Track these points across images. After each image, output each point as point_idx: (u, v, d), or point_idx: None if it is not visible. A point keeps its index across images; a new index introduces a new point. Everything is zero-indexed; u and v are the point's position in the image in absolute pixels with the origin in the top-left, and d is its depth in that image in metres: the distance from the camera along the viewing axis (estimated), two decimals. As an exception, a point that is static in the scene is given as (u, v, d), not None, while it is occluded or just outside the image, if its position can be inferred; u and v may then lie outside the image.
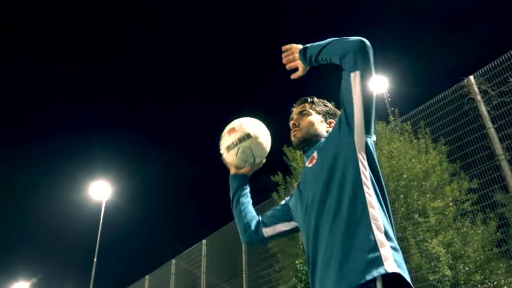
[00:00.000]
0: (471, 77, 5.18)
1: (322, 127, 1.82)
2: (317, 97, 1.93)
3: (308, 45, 1.74)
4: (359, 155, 1.55)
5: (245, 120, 1.92)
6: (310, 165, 1.72)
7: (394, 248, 1.40)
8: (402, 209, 5.67)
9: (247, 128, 1.86)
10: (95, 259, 16.63)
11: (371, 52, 1.57)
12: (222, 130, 1.93)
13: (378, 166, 1.59)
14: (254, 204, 1.98)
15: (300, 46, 1.77)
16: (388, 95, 14.35)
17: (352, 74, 1.56)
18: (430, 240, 5.27)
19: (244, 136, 1.84)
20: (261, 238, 1.89)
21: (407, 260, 5.29)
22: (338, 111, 1.85)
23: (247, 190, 1.99)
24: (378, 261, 1.35)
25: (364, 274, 1.33)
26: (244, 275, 8.30)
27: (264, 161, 1.98)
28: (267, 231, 1.88)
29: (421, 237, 5.35)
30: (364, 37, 1.56)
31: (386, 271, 1.32)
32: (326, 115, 1.86)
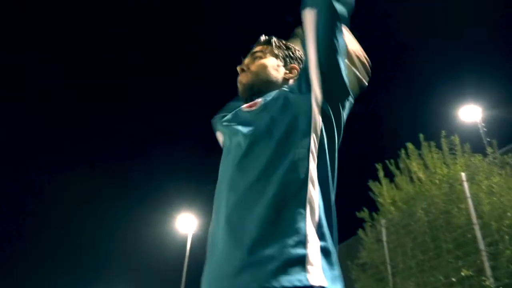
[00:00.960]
0: None
1: (278, 73, 1.42)
2: (279, 38, 1.53)
3: None
4: (314, 118, 1.17)
5: None
6: (247, 109, 1.35)
7: (323, 249, 1.00)
8: (507, 251, 5.09)
9: None
10: (181, 292, 17.10)
11: None
12: None
13: (336, 143, 1.21)
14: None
15: None
16: (483, 125, 13.31)
17: (307, 14, 1.26)
18: (545, 289, 4.64)
19: None
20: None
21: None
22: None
23: None
24: (299, 264, 0.93)
25: (271, 277, 0.91)
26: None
27: None
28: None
29: (534, 284, 4.73)
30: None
31: (307, 282, 0.91)
32: (287, 58, 1.47)
